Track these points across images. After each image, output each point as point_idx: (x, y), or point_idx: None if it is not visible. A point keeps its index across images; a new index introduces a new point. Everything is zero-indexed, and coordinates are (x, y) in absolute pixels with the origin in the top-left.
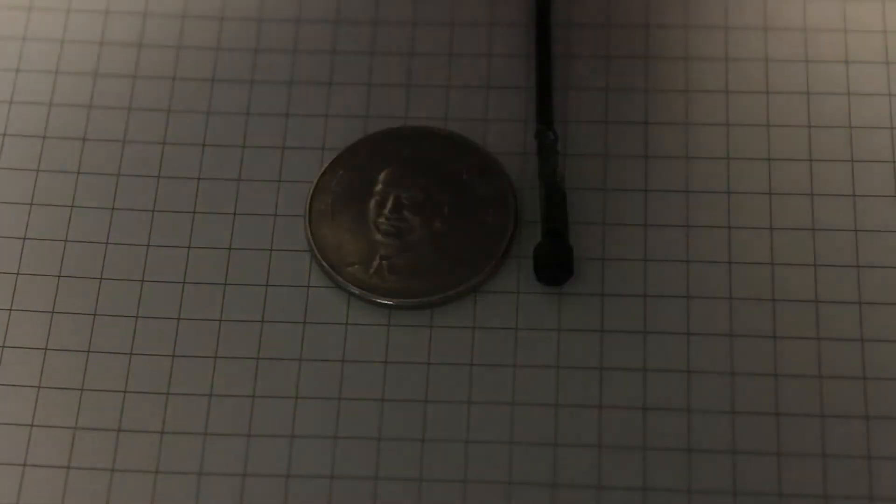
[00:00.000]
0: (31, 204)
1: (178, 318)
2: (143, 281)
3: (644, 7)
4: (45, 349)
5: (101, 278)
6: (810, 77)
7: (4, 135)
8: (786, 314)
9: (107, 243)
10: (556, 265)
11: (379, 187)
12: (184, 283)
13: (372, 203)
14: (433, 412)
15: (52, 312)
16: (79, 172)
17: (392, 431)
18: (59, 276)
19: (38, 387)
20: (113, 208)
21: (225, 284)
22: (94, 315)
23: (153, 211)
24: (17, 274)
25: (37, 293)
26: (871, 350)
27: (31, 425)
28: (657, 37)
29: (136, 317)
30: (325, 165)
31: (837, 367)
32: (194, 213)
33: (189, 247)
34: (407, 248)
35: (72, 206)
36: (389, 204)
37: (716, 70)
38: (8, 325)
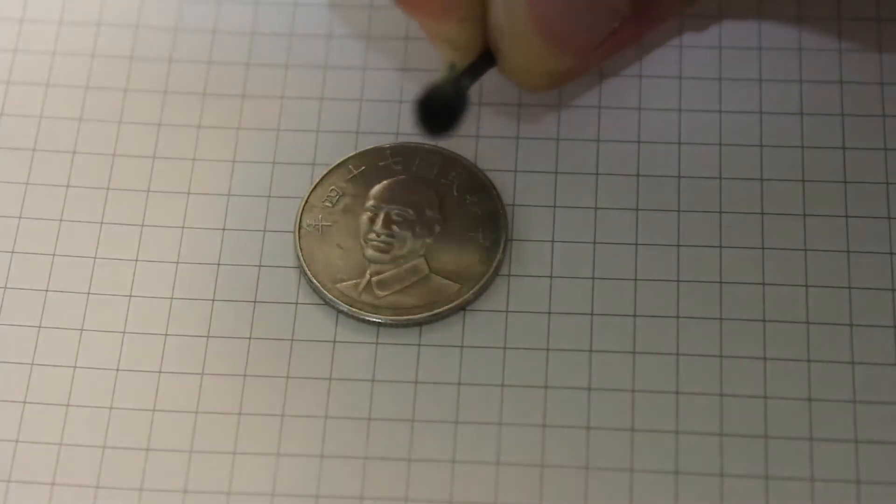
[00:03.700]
0: (20, 218)
1: (166, 335)
2: (130, 296)
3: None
4: (32, 364)
5: (89, 293)
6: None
7: None
8: (777, 335)
9: (95, 258)
10: (440, 105)
11: (369, 203)
12: (172, 298)
13: (362, 219)
14: (420, 431)
15: (39, 327)
16: (68, 186)
17: (379, 450)
18: (46, 291)
19: (24, 402)
20: (102, 222)
21: (213, 300)
22: (81, 330)
23: (142, 226)
24: (5, 288)
25: (24, 308)
26: (860, 372)
27: (17, 441)
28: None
29: (124, 332)
30: (316, 181)
31: (826, 389)
32: (183, 227)
33: (178, 262)
34: (396, 265)
35: (60, 221)
36: (380, 220)
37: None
38: None
